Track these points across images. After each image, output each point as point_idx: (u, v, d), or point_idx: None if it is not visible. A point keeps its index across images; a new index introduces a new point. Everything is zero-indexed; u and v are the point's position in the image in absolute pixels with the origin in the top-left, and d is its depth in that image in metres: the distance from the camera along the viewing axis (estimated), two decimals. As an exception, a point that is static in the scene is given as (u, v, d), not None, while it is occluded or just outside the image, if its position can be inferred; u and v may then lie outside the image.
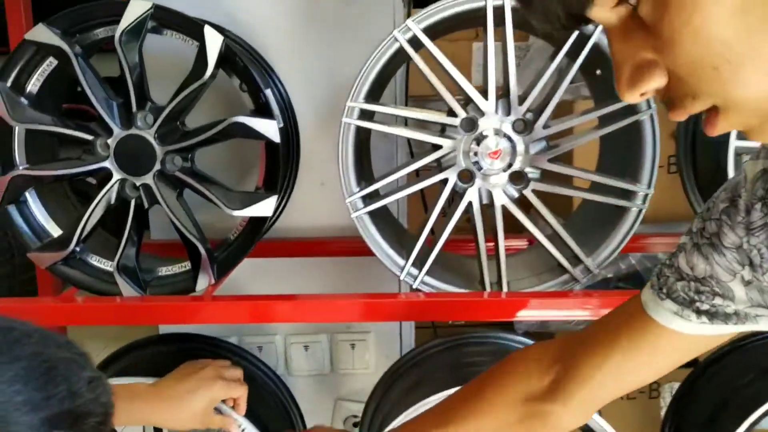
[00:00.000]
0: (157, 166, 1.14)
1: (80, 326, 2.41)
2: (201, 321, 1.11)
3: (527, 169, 1.12)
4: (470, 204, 1.13)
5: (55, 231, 1.20)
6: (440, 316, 1.07)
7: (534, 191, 1.12)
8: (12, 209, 1.17)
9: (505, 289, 1.12)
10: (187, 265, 1.21)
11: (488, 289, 1.12)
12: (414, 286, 1.12)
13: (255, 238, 1.19)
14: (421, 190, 1.65)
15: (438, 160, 1.13)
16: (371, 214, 1.13)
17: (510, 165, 1.11)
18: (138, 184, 1.15)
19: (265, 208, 1.14)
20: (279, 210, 1.32)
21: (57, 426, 0.53)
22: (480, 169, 1.11)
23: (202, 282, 1.17)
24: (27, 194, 1.19)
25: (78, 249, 1.18)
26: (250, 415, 1.15)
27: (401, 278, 1.12)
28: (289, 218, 1.43)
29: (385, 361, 1.54)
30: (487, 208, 1.13)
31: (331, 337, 1.54)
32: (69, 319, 1.07)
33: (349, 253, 1.46)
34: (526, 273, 1.18)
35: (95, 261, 1.22)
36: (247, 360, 1.42)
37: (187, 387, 1.03)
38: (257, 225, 1.18)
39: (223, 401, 1.08)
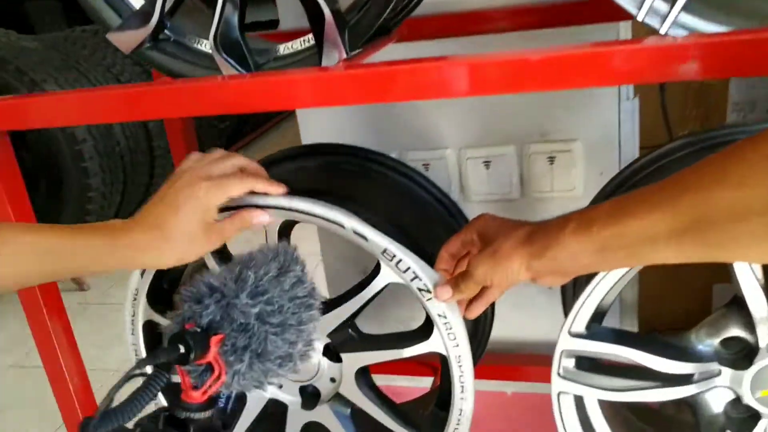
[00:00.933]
0: None
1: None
2: (328, 100, 0.75)
3: None
4: None
5: (139, 3, 0.90)
6: (723, 71, 0.61)
7: None
8: (81, -25, 0.88)
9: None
10: (311, 39, 0.86)
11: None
12: (662, 31, 0.67)
13: (401, -13, 0.79)
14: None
15: None
16: None
17: None
18: None
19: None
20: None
21: None
22: None
23: (330, 57, 0.81)
24: (100, -44, 0.89)
25: (168, 25, 0.87)
26: (415, 251, 0.82)
27: (640, 18, 0.66)
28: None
29: (598, 179, 1.12)
30: None
31: (520, 149, 1.14)
32: (160, 109, 0.77)
33: (537, 23, 1.02)
34: None
35: (194, 43, 0.90)
36: (411, 179, 1.08)
37: (166, 208, 0.71)
38: (403, -34, 0.78)
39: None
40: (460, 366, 0.85)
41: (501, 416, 1.44)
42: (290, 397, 0.99)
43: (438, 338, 0.85)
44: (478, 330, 1.12)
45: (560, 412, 0.82)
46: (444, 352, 0.85)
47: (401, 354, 0.87)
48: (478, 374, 1.34)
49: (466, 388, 0.87)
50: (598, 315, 0.79)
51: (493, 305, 1.09)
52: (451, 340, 0.84)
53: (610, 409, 0.89)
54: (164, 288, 1.00)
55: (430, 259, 0.87)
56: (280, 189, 0.79)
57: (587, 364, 0.82)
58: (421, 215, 1.04)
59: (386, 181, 1.05)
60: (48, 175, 2.72)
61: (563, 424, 0.82)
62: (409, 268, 0.81)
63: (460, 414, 0.89)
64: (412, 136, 1.16)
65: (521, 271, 0.67)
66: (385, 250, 0.81)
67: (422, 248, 0.92)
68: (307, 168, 1.04)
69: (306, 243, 0.92)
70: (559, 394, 0.81)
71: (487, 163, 1.15)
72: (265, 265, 0.48)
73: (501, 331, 1.33)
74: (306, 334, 0.51)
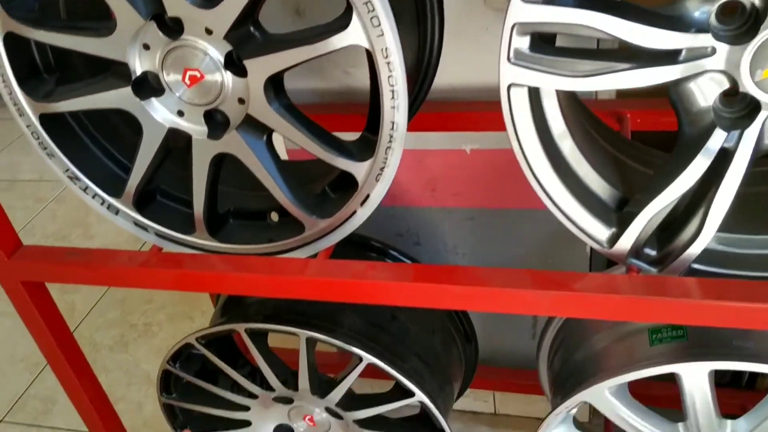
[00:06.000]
0: None
1: None
2: None
3: None
4: None
5: None
6: None
7: None
8: None
9: None
10: None
11: None
12: None
13: None
14: None
15: None
16: None
17: None
18: None
19: None
20: None
21: None
22: None
23: None
24: None
25: None
26: None
27: None
28: None
29: None
30: None
31: None
32: None
33: None
34: None
35: None
36: None
37: None
38: None
39: None
40: (389, 63, 0.68)
41: (461, 176, 1.30)
42: (194, 126, 0.83)
43: (358, 26, 0.66)
44: (420, 62, 0.92)
45: (510, 111, 0.65)
46: (366, 45, 0.67)
47: (315, 50, 0.69)
48: (431, 129, 1.17)
49: (398, 93, 0.70)
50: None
51: (441, 23, 0.89)
52: (374, 27, 0.66)
53: (574, 122, 0.73)
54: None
55: None
56: None
57: (546, 47, 0.64)
58: None
59: None
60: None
61: (514, 126, 0.66)
62: None
63: (393, 129, 0.73)
64: None
65: None
66: None
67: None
68: None
69: None
70: (509, 87, 0.64)
71: None
72: None
73: (458, 76, 1.15)
74: None
